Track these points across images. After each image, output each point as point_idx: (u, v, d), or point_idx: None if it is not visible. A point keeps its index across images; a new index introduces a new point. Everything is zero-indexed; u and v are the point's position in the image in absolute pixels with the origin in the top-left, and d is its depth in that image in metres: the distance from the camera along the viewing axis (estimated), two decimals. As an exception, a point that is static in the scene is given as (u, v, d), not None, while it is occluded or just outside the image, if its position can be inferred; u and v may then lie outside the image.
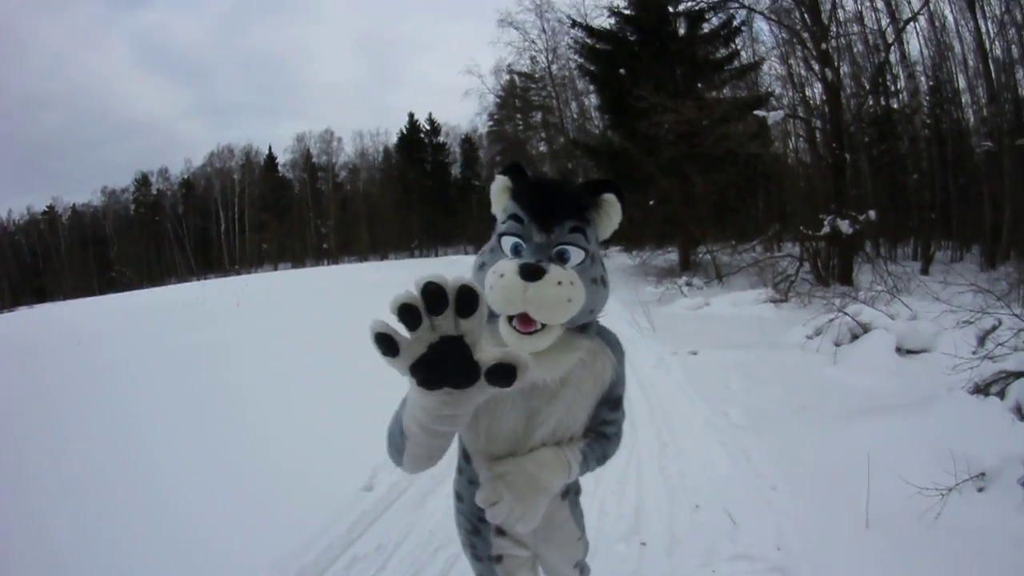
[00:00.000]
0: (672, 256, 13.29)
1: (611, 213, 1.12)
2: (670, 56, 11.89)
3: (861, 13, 12.84)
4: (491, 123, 29.83)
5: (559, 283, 0.99)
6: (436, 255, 33.22)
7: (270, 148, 39.21)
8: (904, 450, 2.87)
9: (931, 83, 13.43)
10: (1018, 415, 3.00)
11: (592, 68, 14.15)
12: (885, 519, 2.44)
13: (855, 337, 5.19)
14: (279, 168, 39.44)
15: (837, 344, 5.20)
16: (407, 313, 0.76)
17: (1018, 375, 3.31)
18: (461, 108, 63.50)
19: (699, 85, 12.18)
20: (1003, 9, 10.49)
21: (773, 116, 9.55)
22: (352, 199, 39.02)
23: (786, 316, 6.87)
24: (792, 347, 5.42)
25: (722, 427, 3.62)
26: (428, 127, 38.00)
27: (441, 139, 38.14)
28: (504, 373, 0.80)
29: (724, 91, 12.69)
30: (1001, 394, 3.28)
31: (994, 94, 11.24)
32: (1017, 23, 10.58)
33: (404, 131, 38.11)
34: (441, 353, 0.79)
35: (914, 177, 12.51)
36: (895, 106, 13.67)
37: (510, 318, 1.03)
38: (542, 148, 25.07)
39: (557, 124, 23.06)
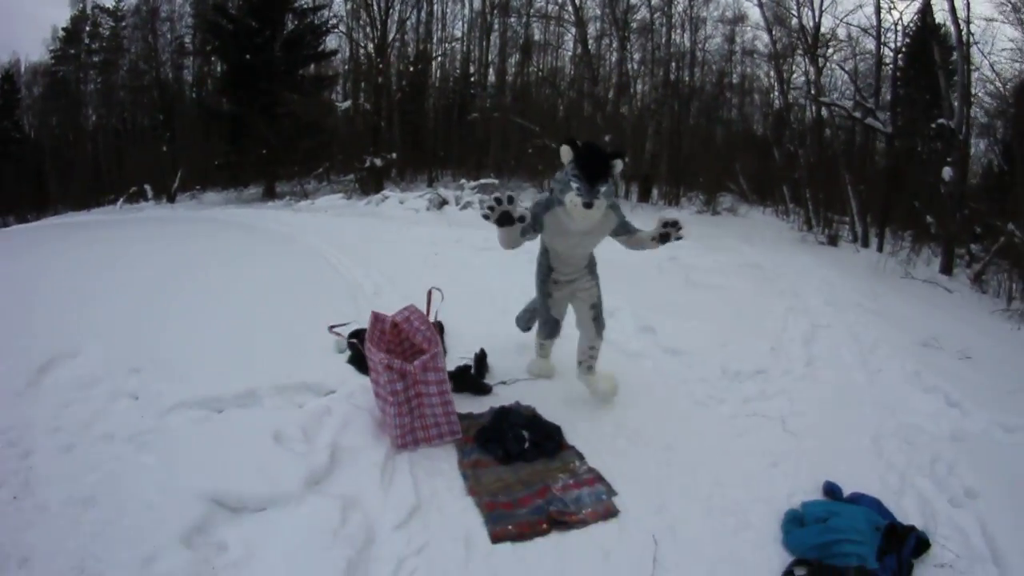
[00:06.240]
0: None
1: (617, 167, 2.53)
2: (281, 44, 16.20)
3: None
4: (52, 60, 24.16)
5: (597, 207, 2.44)
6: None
7: None
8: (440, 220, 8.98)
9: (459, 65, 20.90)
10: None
11: (219, 45, 17.00)
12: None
13: (381, 201, 11.36)
14: None
15: (377, 205, 11.25)
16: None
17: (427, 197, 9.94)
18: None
19: (297, 68, 17.01)
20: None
21: (342, 106, 15.85)
22: None
23: (352, 202, 12.69)
24: (359, 208, 11.24)
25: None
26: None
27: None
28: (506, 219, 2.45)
29: (311, 68, 17.84)
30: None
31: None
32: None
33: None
34: (503, 215, 2.45)
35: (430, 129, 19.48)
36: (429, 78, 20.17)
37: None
38: (91, 88, 23.38)
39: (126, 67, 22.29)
